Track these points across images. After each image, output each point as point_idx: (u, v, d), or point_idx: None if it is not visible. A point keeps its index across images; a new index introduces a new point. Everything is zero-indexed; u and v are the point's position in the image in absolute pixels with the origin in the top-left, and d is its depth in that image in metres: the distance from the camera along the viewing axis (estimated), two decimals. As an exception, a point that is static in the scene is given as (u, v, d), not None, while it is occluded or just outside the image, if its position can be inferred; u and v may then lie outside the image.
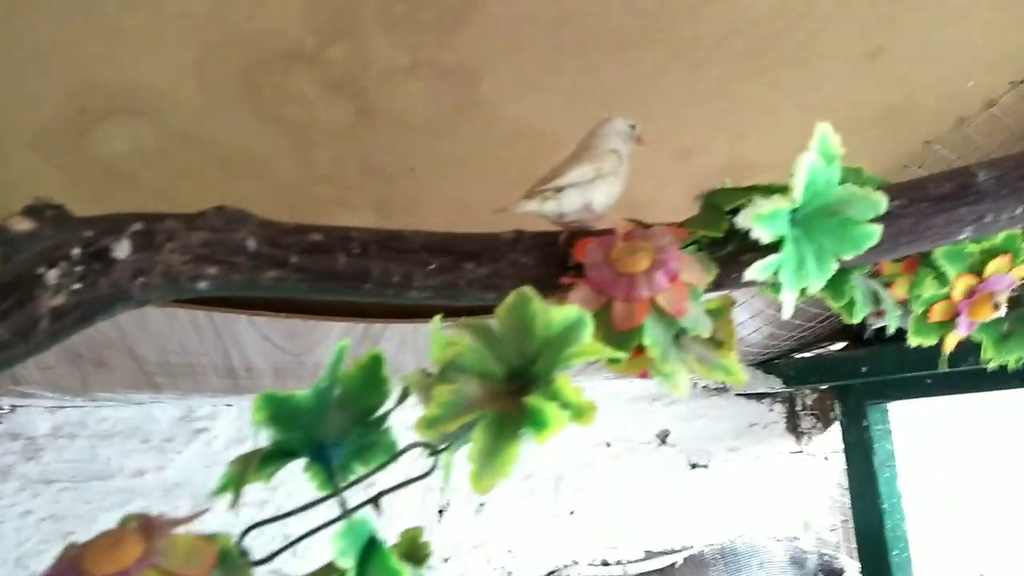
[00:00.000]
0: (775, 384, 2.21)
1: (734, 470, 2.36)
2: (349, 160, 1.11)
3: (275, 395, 0.65)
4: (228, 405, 1.95)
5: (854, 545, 2.13)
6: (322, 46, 0.93)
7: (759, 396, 2.39)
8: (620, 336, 0.75)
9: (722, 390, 2.38)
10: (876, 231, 0.77)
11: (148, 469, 1.88)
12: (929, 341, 0.97)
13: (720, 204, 0.81)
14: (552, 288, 0.80)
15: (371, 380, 0.70)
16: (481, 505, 2.06)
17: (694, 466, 2.34)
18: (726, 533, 2.31)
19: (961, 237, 0.84)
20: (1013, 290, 1.01)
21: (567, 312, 0.66)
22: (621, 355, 0.76)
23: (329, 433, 0.68)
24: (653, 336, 0.74)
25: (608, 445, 2.24)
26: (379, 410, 0.71)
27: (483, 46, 0.97)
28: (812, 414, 2.40)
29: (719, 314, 0.84)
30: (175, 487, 1.88)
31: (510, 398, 0.64)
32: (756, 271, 0.75)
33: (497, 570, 2.08)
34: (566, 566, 2.11)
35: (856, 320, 0.98)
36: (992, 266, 0.92)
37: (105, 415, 1.86)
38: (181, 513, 0.49)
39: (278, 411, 0.64)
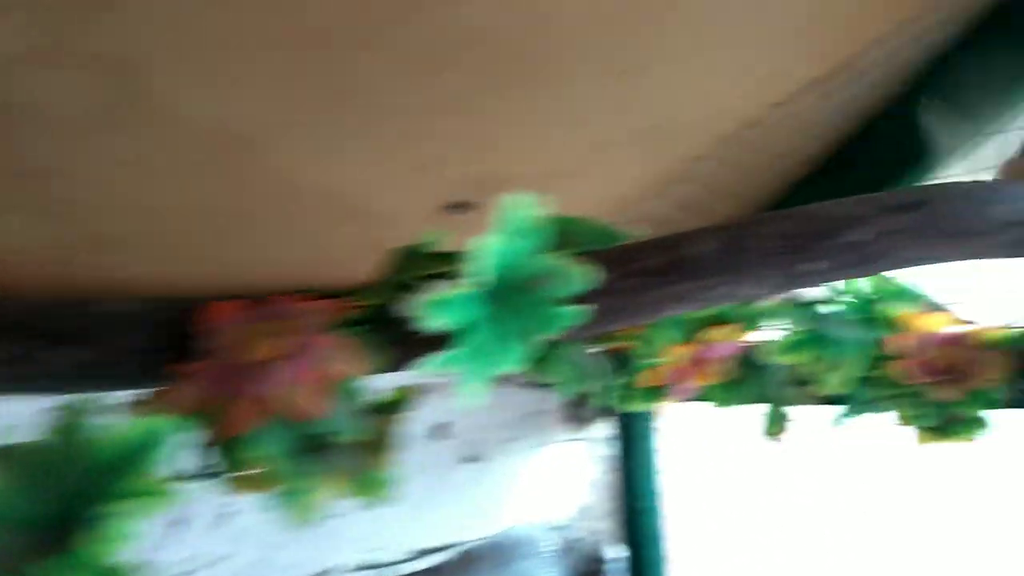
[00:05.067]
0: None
1: (510, 461, 2.30)
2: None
3: None
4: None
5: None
6: None
7: (540, 384, 2.33)
8: (228, 444, 0.59)
9: (503, 379, 2.30)
10: (575, 312, 0.65)
11: None
12: (644, 407, 0.90)
13: (400, 272, 0.66)
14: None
15: None
16: (220, 515, 1.86)
17: (468, 459, 2.26)
18: (498, 526, 2.25)
19: (679, 312, 0.75)
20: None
21: (130, 431, 0.49)
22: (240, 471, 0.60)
23: None
24: (268, 446, 0.58)
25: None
26: None
27: (141, 32, 0.76)
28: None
29: (392, 408, 0.70)
30: None
31: (52, 552, 0.46)
32: (427, 365, 0.61)
33: (245, 582, 1.90)
34: (325, 571, 1.97)
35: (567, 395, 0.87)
36: (711, 334, 0.84)
37: None
38: None
39: None
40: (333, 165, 1.06)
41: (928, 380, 0.96)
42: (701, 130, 1.23)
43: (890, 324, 1.00)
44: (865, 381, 1.01)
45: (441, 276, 0.66)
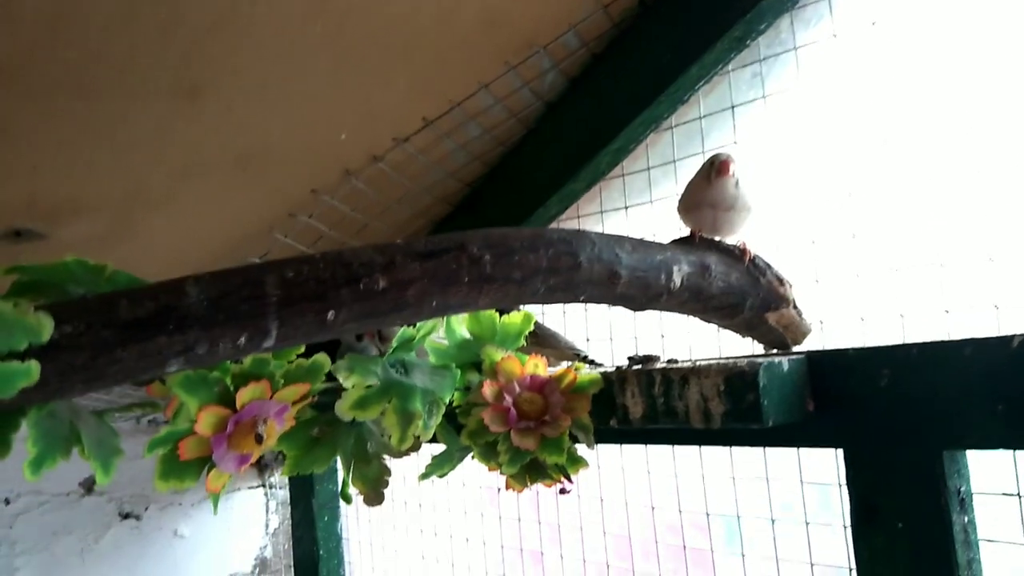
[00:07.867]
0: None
1: (178, 514, 2.09)
2: None
3: None
4: None
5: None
6: None
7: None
8: None
9: (156, 423, 2.09)
10: (22, 370, 0.54)
11: None
12: (188, 483, 0.79)
13: None
14: None
15: None
16: None
17: (126, 516, 2.02)
18: (166, 586, 2.03)
19: (169, 371, 0.65)
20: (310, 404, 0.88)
21: None
22: None
23: None
24: None
25: (7, 502, 1.81)
26: None
27: None
28: (274, 446, 2.22)
29: None
30: None
31: None
32: None
33: None
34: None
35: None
36: (245, 394, 0.76)
37: None
38: None
39: None
40: None
41: (507, 428, 0.94)
42: (321, 161, 1.16)
43: (481, 369, 0.98)
44: (453, 430, 0.98)
45: None
